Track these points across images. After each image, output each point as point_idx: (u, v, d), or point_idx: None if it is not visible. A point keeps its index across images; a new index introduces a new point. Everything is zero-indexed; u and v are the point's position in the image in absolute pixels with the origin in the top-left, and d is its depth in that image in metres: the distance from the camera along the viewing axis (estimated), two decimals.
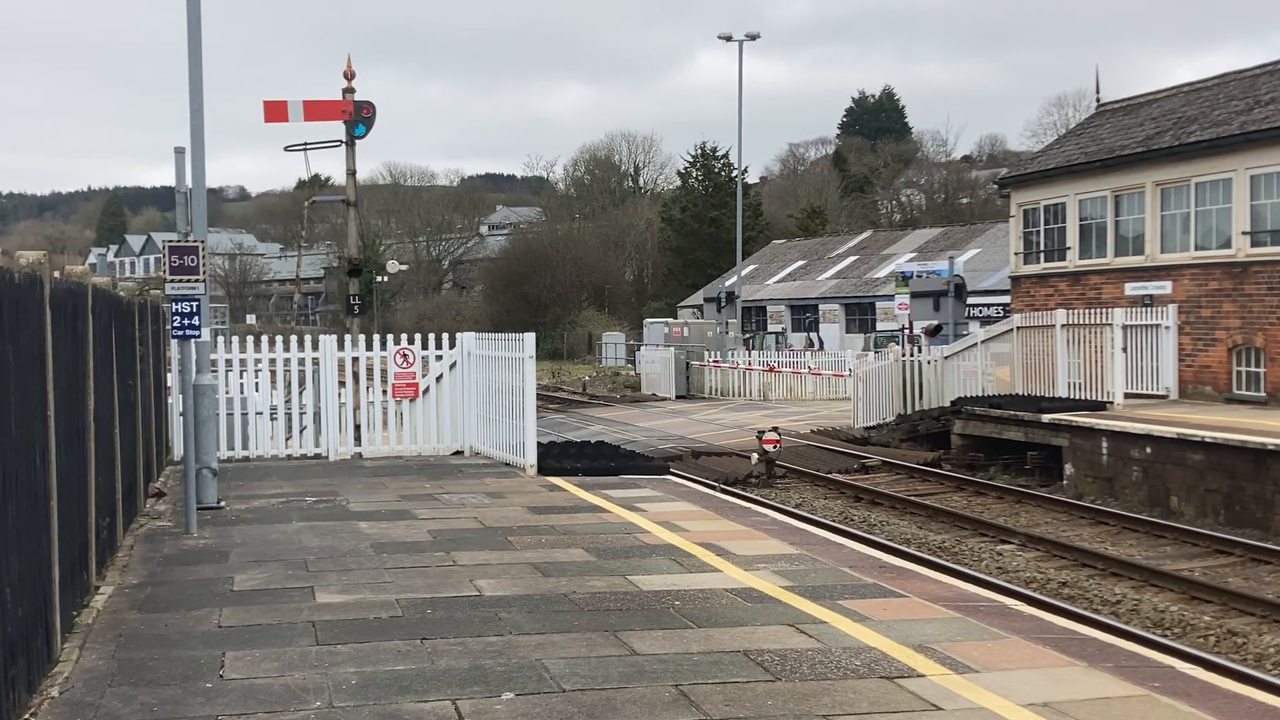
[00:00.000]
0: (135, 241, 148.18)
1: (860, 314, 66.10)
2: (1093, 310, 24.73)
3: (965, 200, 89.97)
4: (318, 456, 17.79)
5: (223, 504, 13.36)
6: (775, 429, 23.63)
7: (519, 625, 8.27)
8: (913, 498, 20.37)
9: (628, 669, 7.28)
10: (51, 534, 7.35)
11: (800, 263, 76.40)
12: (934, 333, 36.03)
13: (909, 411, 28.38)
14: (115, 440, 10.85)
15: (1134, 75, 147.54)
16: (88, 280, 9.52)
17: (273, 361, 17.94)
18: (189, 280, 12.06)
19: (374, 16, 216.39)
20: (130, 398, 12.20)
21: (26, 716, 6.39)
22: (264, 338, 18.13)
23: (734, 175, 77.04)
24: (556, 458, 16.60)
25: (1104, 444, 20.68)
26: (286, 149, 25.76)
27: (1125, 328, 23.70)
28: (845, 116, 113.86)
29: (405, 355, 17.82)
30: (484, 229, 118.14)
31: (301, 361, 17.93)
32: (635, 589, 9.36)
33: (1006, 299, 37.82)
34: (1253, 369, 23.98)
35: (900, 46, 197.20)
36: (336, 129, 24.59)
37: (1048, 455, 22.51)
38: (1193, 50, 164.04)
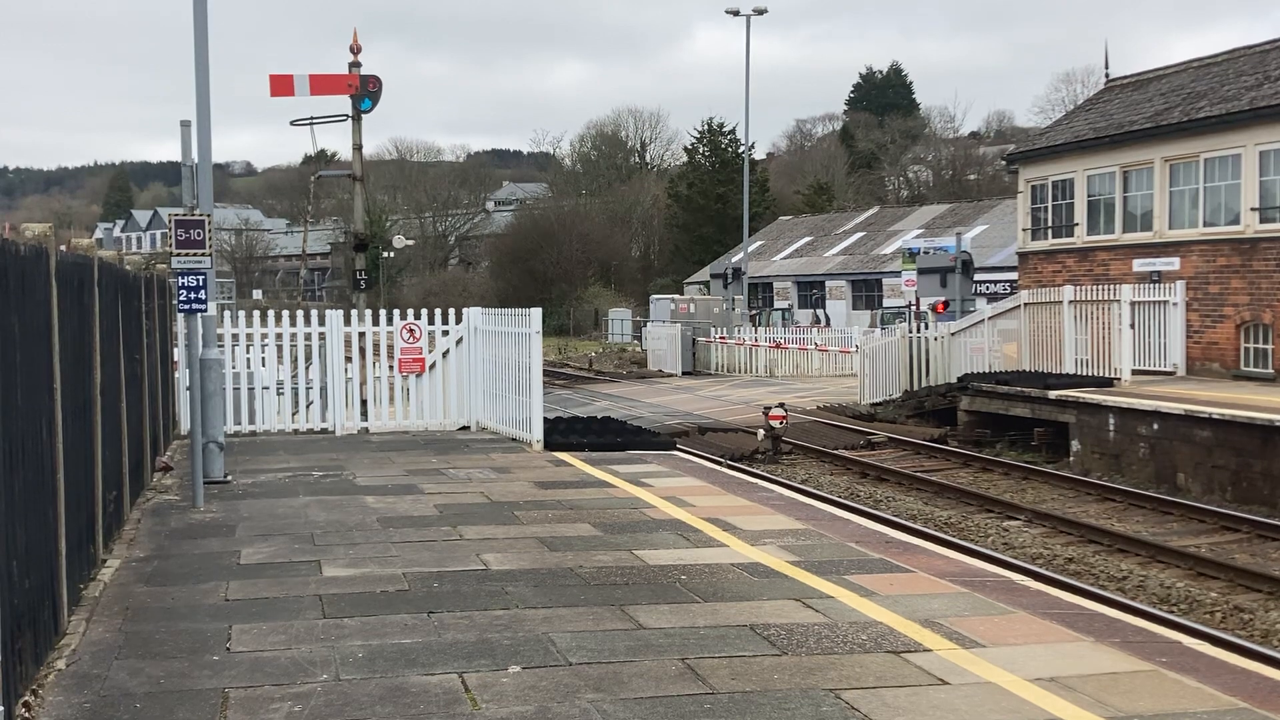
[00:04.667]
0: (141, 216, 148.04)
1: (867, 290, 66.00)
2: (1100, 287, 24.65)
3: (973, 176, 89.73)
4: (324, 431, 17.80)
5: (230, 478, 13.37)
6: (782, 405, 23.60)
7: (525, 599, 8.27)
8: (919, 474, 20.35)
9: (634, 643, 7.28)
10: (58, 507, 7.35)
11: (807, 239, 76.24)
12: (941, 309, 35.93)
13: (916, 388, 28.34)
14: (122, 414, 10.85)
15: (1136, 52, 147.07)
16: (94, 254, 9.51)
17: (279, 336, 17.95)
18: (195, 254, 12.04)
19: None
20: (137, 371, 12.20)
21: (34, 688, 6.40)
22: (270, 313, 18.14)
23: (741, 151, 76.89)
24: (563, 433, 16.61)
25: (1111, 420, 20.65)
26: (293, 123, 25.70)
27: (1133, 304, 23.62)
28: (853, 92, 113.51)
29: (412, 330, 17.81)
30: (490, 205, 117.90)
31: (308, 336, 17.93)
32: (642, 563, 9.36)
33: (1014, 275, 37.72)
34: (1261, 345, 23.92)
35: (899, 23, 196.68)
36: (342, 103, 24.51)
37: (1055, 431, 22.47)
38: (1194, 27, 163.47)
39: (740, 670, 6.78)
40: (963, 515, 17.18)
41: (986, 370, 26.48)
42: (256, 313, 18.10)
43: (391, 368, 18.04)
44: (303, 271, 51.77)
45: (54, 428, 7.29)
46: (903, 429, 25.81)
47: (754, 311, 57.09)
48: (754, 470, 18.67)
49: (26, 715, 6.04)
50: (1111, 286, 24.12)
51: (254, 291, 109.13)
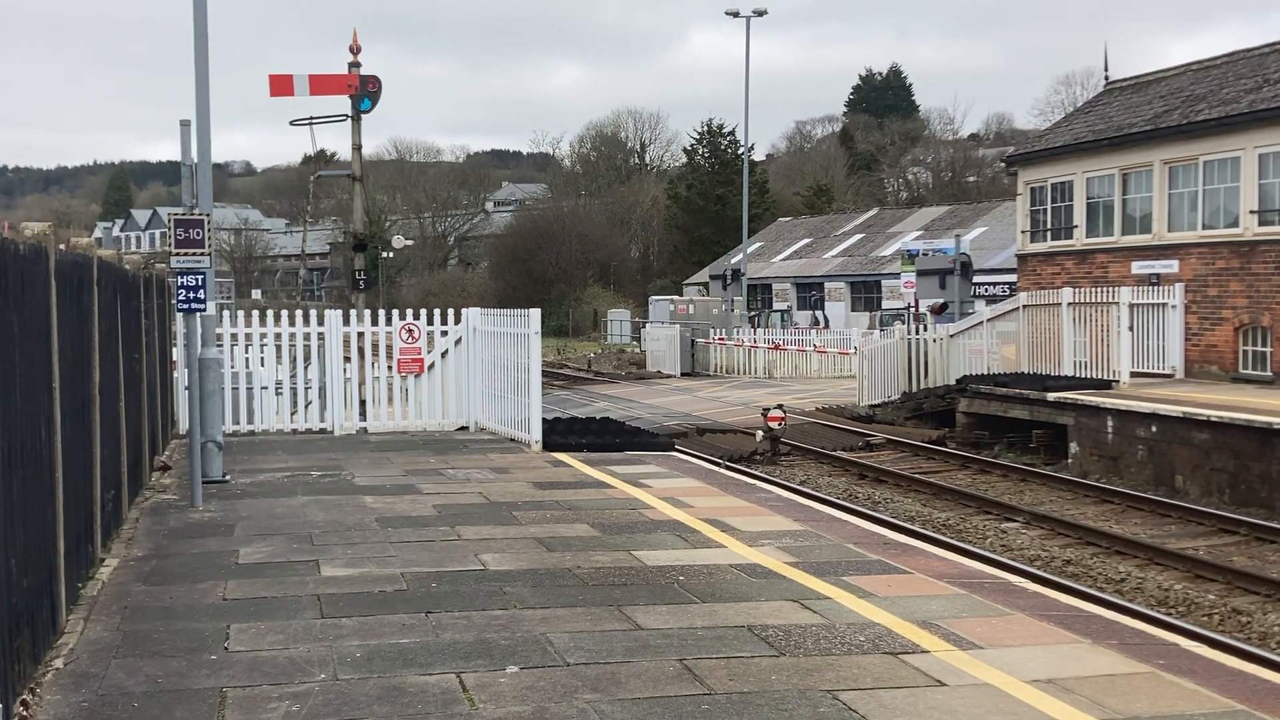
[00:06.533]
0: (141, 216, 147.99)
1: (866, 292, 66.00)
2: (1099, 289, 24.65)
3: (972, 178, 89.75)
4: (323, 431, 17.81)
5: (228, 478, 13.37)
6: (780, 406, 23.61)
7: (523, 599, 8.27)
8: (917, 475, 20.36)
9: (632, 643, 7.28)
10: (57, 506, 7.35)
11: (806, 240, 76.24)
12: (940, 311, 35.95)
13: (914, 390, 28.35)
14: (120, 413, 10.85)
15: (1135, 54, 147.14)
16: (93, 253, 9.52)
17: (278, 336, 17.95)
18: (194, 253, 12.05)
19: None
20: (136, 371, 12.20)
21: (32, 687, 6.40)
22: (269, 312, 18.14)
23: (740, 153, 76.90)
24: (562, 434, 16.61)
25: (1109, 423, 20.65)
26: (292, 123, 25.73)
27: (1132, 306, 23.61)
28: (852, 94, 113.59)
29: (410, 331, 17.81)
30: (489, 205, 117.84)
31: (307, 336, 17.94)
32: (640, 564, 9.36)
33: (1013, 277, 37.71)
34: (1259, 348, 23.92)
35: (898, 25, 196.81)
36: (342, 104, 24.53)
37: (1053, 434, 22.47)
38: (1193, 30, 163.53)
39: (738, 671, 6.78)
40: (961, 517, 17.18)
41: (985, 372, 26.48)
42: (255, 312, 18.10)
43: (390, 368, 18.04)
44: (302, 271, 51.82)
45: (53, 427, 7.29)
46: (901, 430, 25.82)
47: (753, 313, 57.10)
48: (752, 471, 18.67)
49: (24, 714, 6.05)
50: (1110, 289, 24.12)
51: (253, 291, 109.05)
